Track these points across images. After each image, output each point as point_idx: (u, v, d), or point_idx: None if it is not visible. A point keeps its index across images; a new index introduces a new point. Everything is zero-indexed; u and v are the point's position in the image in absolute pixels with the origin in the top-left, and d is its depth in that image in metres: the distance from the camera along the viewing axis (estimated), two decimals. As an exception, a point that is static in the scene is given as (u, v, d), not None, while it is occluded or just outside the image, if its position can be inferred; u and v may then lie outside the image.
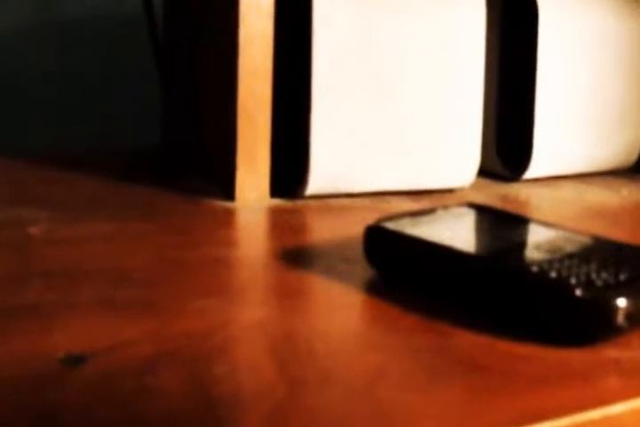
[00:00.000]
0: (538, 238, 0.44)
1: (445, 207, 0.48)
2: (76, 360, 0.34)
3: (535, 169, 0.69)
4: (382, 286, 0.44)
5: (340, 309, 0.41)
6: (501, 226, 0.46)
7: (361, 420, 0.30)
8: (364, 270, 0.46)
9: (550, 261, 0.40)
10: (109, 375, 0.33)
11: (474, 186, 0.67)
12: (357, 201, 0.61)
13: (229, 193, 0.60)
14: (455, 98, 0.63)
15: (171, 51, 0.74)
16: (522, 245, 0.43)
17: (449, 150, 0.63)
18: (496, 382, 0.34)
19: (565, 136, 0.69)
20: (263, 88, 0.58)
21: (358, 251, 0.48)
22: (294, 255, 0.48)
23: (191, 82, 0.69)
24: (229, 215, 0.56)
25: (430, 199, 0.62)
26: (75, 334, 0.37)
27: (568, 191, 0.68)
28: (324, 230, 0.54)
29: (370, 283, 0.45)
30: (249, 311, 0.40)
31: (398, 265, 0.44)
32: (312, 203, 0.60)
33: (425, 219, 0.46)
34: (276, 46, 0.59)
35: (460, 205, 0.49)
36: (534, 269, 0.39)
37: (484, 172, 0.69)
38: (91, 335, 0.36)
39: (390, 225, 0.45)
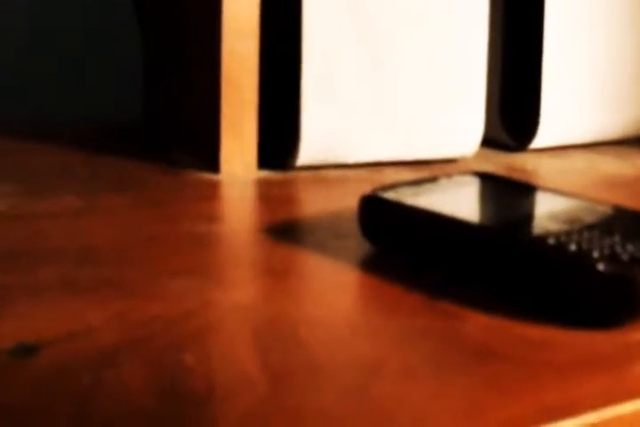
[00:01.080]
0: (553, 208, 0.39)
1: (449, 176, 0.44)
2: (26, 351, 0.29)
3: (542, 138, 0.65)
4: (379, 262, 0.39)
5: (332, 289, 0.36)
6: (511, 195, 0.42)
7: (356, 420, 0.26)
8: (359, 246, 0.41)
9: (568, 233, 0.35)
10: (64, 368, 0.28)
11: (477, 156, 0.62)
12: (352, 172, 0.56)
13: (213, 165, 0.55)
14: (457, 61, 0.58)
15: (152, 15, 0.69)
16: (535, 215, 0.39)
17: (450, 117, 0.58)
18: (512, 372, 0.29)
19: (574, 103, 0.65)
20: (249, 49, 0.54)
21: (353, 225, 0.43)
22: (283, 231, 0.44)
23: (173, 47, 0.64)
24: (213, 188, 0.52)
25: (431, 170, 0.58)
26: (29, 320, 0.32)
27: (578, 162, 0.64)
28: (315, 204, 0.49)
29: (366, 260, 0.40)
30: (230, 293, 0.35)
31: (397, 239, 0.39)
32: (303, 175, 0.55)
33: (426, 188, 0.42)
34: (262, 3, 0.54)
35: (465, 173, 0.44)
36: (551, 241, 0.35)
37: (486, 141, 0.65)
38: (47, 322, 0.32)
39: (388, 195, 0.40)
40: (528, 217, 0.38)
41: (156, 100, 0.68)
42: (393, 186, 0.41)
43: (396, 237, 0.39)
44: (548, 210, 0.39)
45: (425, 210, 0.38)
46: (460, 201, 0.40)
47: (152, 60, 0.69)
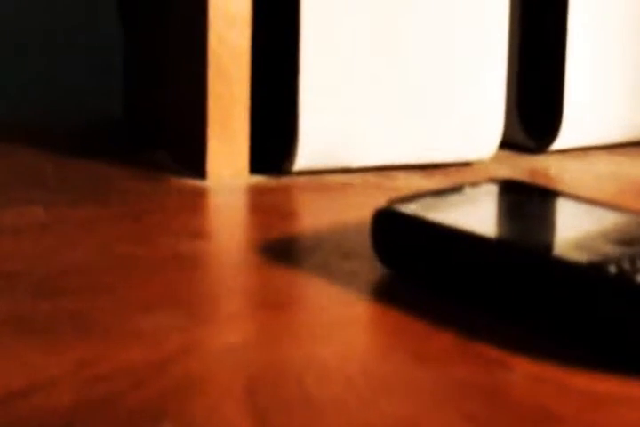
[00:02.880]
0: (601, 225, 0.33)
1: (474, 184, 0.37)
2: (-43, 417, 0.23)
3: (565, 139, 0.58)
4: (396, 289, 0.33)
5: (342, 325, 0.30)
6: (552, 209, 0.35)
7: None
8: (371, 269, 0.35)
9: (632, 258, 0.29)
10: (3, 443, 0.22)
11: (494, 159, 0.56)
12: (357, 178, 0.50)
13: (199, 169, 0.48)
14: (474, 54, 0.52)
15: (133, 4, 0.62)
16: (585, 234, 0.32)
17: (466, 116, 0.52)
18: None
19: (598, 101, 0.59)
20: (239, 37, 0.47)
21: (362, 242, 0.37)
22: (279, 249, 0.38)
23: (156, 38, 0.57)
24: (198, 197, 0.45)
25: (445, 175, 0.51)
26: (-34, 371, 0.25)
27: (605, 164, 0.57)
28: (316, 216, 0.43)
29: (380, 286, 0.34)
30: (219, 333, 0.29)
31: (418, 261, 0.33)
32: (301, 181, 0.49)
33: (450, 199, 0.35)
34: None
35: (493, 181, 0.38)
36: (611, 268, 0.28)
37: (503, 142, 0.58)
38: (-11, 373, 0.25)
39: (406, 208, 0.34)
40: (577, 237, 0.32)
41: (137, 98, 0.62)
42: (411, 197, 0.35)
43: (416, 259, 0.33)
44: (597, 227, 0.33)
45: (451, 227, 0.32)
46: (492, 216, 0.34)
47: (133, 53, 0.63)
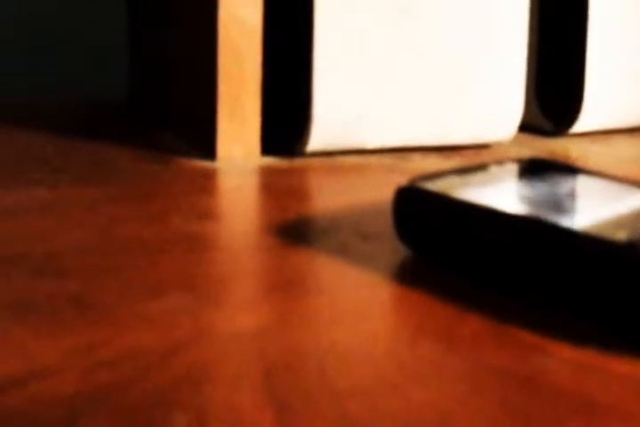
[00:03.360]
0: (637, 204, 0.31)
1: (500, 163, 0.35)
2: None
3: (585, 121, 0.56)
4: (421, 272, 0.31)
5: (365, 310, 0.28)
6: (583, 187, 0.33)
7: None
8: (392, 250, 0.33)
9: (676, 237, 0.27)
10: (-2, 434, 0.20)
11: (513, 142, 0.54)
12: (373, 159, 0.48)
13: (209, 150, 0.47)
14: (494, 34, 0.50)
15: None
16: (620, 213, 0.30)
17: (485, 96, 0.50)
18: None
19: (621, 82, 0.57)
20: (252, 14, 0.45)
21: (381, 223, 0.35)
22: (295, 231, 0.36)
23: (163, 14, 0.55)
24: (208, 178, 0.43)
25: (463, 157, 0.49)
26: (-40, 356, 0.24)
27: (627, 148, 0.55)
28: (331, 197, 0.41)
29: (403, 268, 0.32)
30: (233, 317, 0.27)
31: (444, 242, 0.31)
32: (315, 162, 0.47)
33: (475, 178, 0.33)
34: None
35: (519, 160, 0.36)
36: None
37: (521, 125, 0.56)
38: (-15, 359, 0.23)
39: (431, 186, 0.32)
40: (612, 215, 0.30)
41: (144, 78, 0.60)
42: (435, 175, 0.33)
43: (441, 240, 0.31)
44: (631, 205, 0.31)
45: (480, 205, 0.30)
46: (521, 194, 0.32)
47: (140, 33, 0.61)
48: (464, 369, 0.24)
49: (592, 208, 0.31)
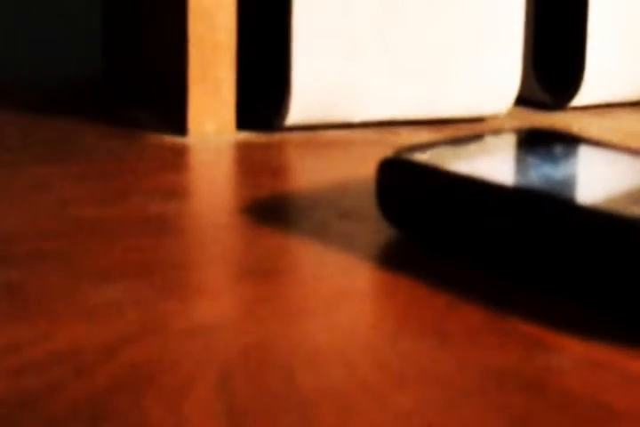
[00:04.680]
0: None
1: (497, 133, 0.32)
2: None
3: (587, 94, 0.53)
4: (407, 254, 0.27)
5: (343, 299, 0.24)
6: (593, 160, 0.30)
7: None
8: (375, 230, 0.29)
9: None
10: None
11: (509, 115, 0.50)
12: (358, 133, 0.44)
13: (180, 125, 0.43)
14: (490, 1, 0.46)
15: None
16: (637, 188, 0.27)
17: (480, 66, 0.46)
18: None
19: (625, 53, 0.53)
20: (222, -27, 0.41)
21: (365, 201, 0.32)
22: (269, 210, 0.32)
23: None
24: (177, 155, 0.39)
25: (455, 131, 0.46)
26: None
27: (631, 122, 0.52)
28: (311, 174, 0.37)
29: (387, 250, 0.28)
30: (189, 307, 0.23)
31: (433, 220, 0.27)
32: (295, 137, 0.43)
33: (469, 149, 0.30)
34: None
35: (519, 130, 0.32)
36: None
37: (518, 98, 0.53)
38: None
39: (419, 157, 0.28)
40: (627, 190, 0.26)
41: (116, 51, 0.56)
42: (424, 146, 0.29)
43: (431, 218, 0.27)
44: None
45: (475, 178, 0.26)
46: (522, 167, 0.28)
47: (112, 3, 0.57)
48: (456, 370, 0.20)
49: (600, 181, 0.27)
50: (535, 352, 0.21)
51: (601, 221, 0.23)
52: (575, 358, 0.21)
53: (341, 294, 0.24)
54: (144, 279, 0.25)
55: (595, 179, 0.27)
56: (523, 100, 0.54)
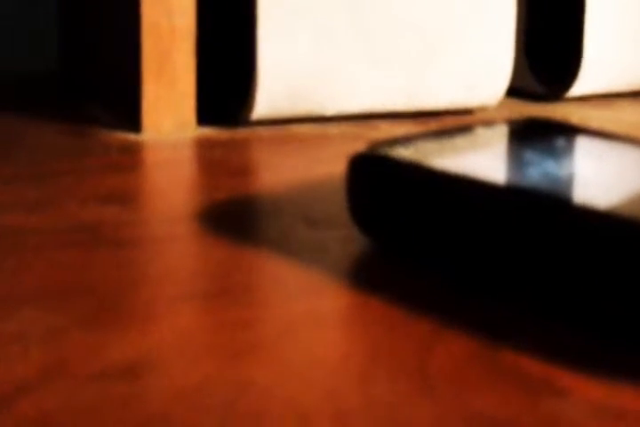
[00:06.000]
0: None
1: (488, 124, 0.27)
2: None
3: (584, 83, 0.49)
4: (381, 269, 0.23)
5: (302, 329, 0.20)
6: (599, 156, 0.25)
7: None
8: (346, 239, 0.25)
9: None
10: None
11: (500, 107, 0.46)
12: (332, 128, 0.40)
13: (134, 121, 0.38)
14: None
15: None
16: (631, 184, 0.22)
17: (467, 54, 0.42)
18: None
19: (626, 37, 0.49)
20: (176, -52, 0.37)
21: (335, 205, 0.27)
22: (228, 216, 0.28)
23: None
24: (129, 153, 0.35)
25: (441, 125, 0.41)
26: None
27: (631, 113, 0.48)
28: (279, 174, 0.33)
29: (357, 265, 0.24)
30: (108, 343, 0.19)
31: (413, 228, 0.23)
32: (262, 132, 0.39)
33: (456, 143, 0.25)
34: None
35: (513, 121, 0.28)
36: None
37: (509, 89, 0.49)
38: None
39: (398, 153, 0.24)
40: (628, 190, 0.22)
41: (72, 40, 0.51)
42: (403, 140, 0.25)
43: (410, 225, 0.23)
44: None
45: (463, 177, 0.22)
46: (518, 164, 0.24)
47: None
48: (438, 417, 0.16)
49: (610, 179, 0.23)
50: (539, 397, 0.17)
51: (617, 229, 0.19)
52: (587, 403, 0.16)
53: (301, 321, 0.20)
54: (63, 305, 0.20)
55: (603, 176, 0.23)
56: (515, 91, 0.50)
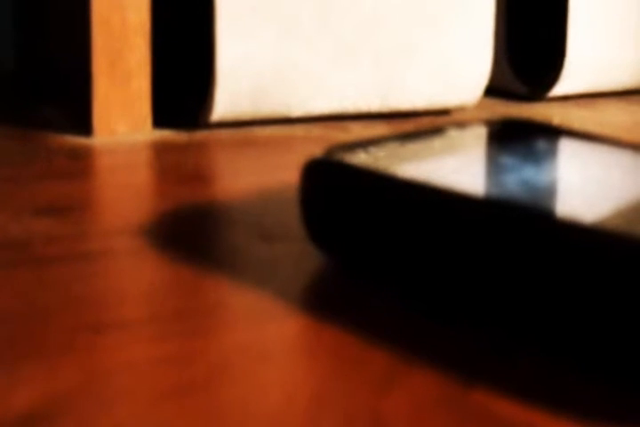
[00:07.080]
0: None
1: (461, 126, 0.25)
2: None
3: (567, 83, 0.46)
4: (338, 290, 0.20)
5: (244, 362, 0.17)
6: (584, 160, 0.23)
7: None
8: (302, 255, 0.22)
9: None
10: None
11: (479, 107, 0.44)
12: (299, 130, 0.37)
13: (85, 123, 0.36)
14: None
15: None
16: (619, 193, 0.20)
17: (444, 52, 0.39)
18: None
19: (610, 35, 0.47)
20: (126, -63, 0.34)
21: (293, 216, 0.25)
22: (176, 229, 0.25)
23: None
24: (77, 158, 0.32)
25: (415, 127, 0.39)
26: None
27: (616, 113, 0.45)
28: (238, 180, 0.30)
29: (313, 284, 0.21)
30: (10, 386, 0.16)
31: (374, 243, 0.20)
32: (223, 135, 0.36)
33: (425, 147, 0.23)
34: None
35: (489, 121, 0.26)
36: None
37: (489, 88, 0.46)
38: None
39: (356, 158, 0.21)
40: (630, 201, 0.19)
41: (27, 43, 0.49)
42: (365, 143, 0.22)
43: (369, 240, 0.20)
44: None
45: (432, 187, 0.19)
46: (494, 170, 0.21)
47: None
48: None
49: (597, 187, 0.20)
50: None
51: (610, 246, 0.16)
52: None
53: (241, 355, 0.17)
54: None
55: (587, 184, 0.20)
56: (495, 90, 0.48)
